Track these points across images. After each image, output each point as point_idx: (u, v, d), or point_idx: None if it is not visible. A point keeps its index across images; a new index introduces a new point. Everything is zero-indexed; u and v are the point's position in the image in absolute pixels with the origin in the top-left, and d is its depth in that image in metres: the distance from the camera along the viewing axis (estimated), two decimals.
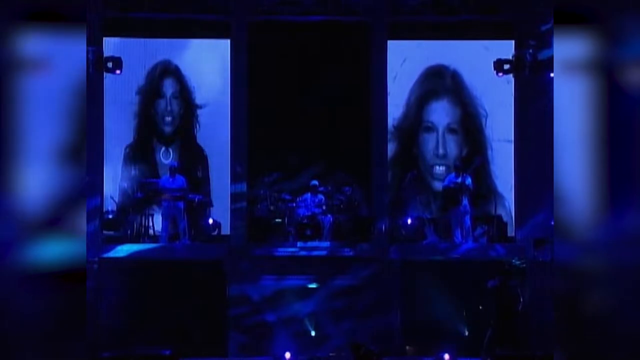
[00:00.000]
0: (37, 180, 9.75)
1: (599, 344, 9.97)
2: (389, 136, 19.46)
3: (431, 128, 19.94)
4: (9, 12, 9.75)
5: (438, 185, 19.47)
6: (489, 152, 19.79)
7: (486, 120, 19.80)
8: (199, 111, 19.85)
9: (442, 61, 19.86)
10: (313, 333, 18.02)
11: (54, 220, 9.73)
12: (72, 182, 9.85)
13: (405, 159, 19.85)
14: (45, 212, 9.72)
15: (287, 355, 16.29)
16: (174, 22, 19.17)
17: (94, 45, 17.91)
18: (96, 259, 17.80)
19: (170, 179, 18.50)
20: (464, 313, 17.91)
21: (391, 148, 19.59)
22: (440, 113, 19.93)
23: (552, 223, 16.08)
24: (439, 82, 19.89)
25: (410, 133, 19.90)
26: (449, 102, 19.93)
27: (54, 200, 9.76)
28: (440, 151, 19.86)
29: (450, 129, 19.90)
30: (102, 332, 17.67)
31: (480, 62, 19.35)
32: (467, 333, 17.77)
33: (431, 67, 19.90)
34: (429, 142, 19.91)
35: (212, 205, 19.25)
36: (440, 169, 19.81)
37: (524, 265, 18.11)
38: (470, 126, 19.86)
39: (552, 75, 17.25)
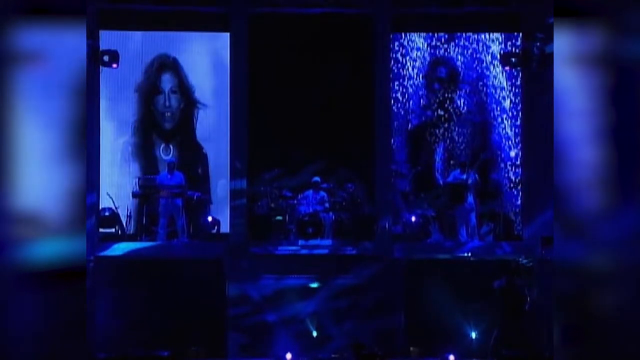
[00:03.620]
0: (35, 177, 9.70)
1: (602, 345, 9.94)
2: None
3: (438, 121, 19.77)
4: (8, 5, 9.70)
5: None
6: (502, 143, 19.62)
7: (495, 108, 19.61)
8: (198, 106, 19.60)
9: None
10: (315, 333, 17.84)
11: (52, 218, 9.66)
12: (71, 178, 9.76)
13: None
14: (44, 209, 9.64)
15: (288, 356, 16.44)
16: (172, 15, 19.01)
17: (90, 38, 17.59)
18: (92, 257, 17.59)
19: (169, 176, 18.36)
20: (470, 313, 17.62)
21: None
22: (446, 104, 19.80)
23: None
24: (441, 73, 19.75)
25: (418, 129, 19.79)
26: (449, 92, 19.72)
27: (52, 197, 9.68)
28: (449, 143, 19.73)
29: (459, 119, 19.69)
30: (99, 332, 17.50)
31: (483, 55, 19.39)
32: (472, 334, 17.47)
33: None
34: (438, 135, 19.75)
35: (211, 203, 19.13)
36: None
37: (531, 264, 17.92)
38: (478, 114, 19.71)
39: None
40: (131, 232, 18.68)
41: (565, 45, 10.26)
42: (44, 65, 9.72)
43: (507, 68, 18.65)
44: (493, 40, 19.52)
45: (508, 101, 19.46)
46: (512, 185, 19.40)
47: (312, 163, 19.06)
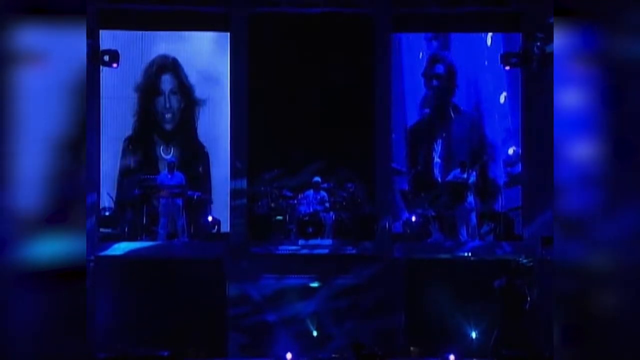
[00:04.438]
0: (35, 176, 9.62)
1: (602, 345, 9.89)
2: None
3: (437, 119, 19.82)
4: (8, 5, 9.66)
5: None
6: (500, 142, 19.68)
7: (493, 107, 19.62)
8: (198, 106, 19.54)
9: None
10: (315, 333, 17.81)
11: (52, 217, 9.61)
12: (71, 177, 9.71)
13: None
14: (44, 208, 9.59)
15: (289, 356, 16.35)
16: (172, 15, 18.93)
17: (90, 38, 17.54)
18: (92, 257, 17.54)
19: (169, 175, 18.31)
20: (470, 313, 17.59)
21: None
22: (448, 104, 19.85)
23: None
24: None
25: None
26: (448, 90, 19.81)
27: (52, 196, 9.63)
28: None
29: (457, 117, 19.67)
30: (98, 332, 17.46)
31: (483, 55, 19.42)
32: (472, 333, 17.44)
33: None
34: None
35: (211, 202, 19.10)
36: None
37: (531, 263, 17.86)
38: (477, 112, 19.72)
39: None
40: (131, 231, 18.62)
41: (565, 45, 10.23)
42: (44, 65, 9.68)
43: (507, 67, 18.58)
44: (493, 39, 19.53)
45: (507, 100, 19.44)
46: (511, 184, 19.38)
47: (312, 163, 19.02)
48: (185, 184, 18.37)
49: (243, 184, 18.58)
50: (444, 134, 19.78)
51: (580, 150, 10.02)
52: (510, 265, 17.23)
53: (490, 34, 19.55)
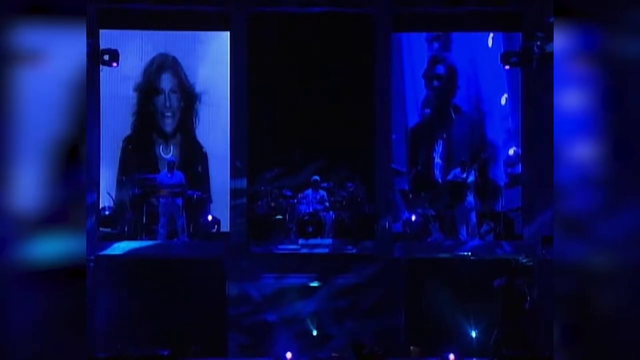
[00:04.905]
0: (34, 176, 9.61)
1: (602, 345, 9.87)
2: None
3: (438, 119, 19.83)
4: (8, 4, 9.65)
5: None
6: (501, 142, 19.65)
7: (494, 107, 19.63)
8: (198, 105, 19.53)
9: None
10: (315, 333, 17.83)
11: (52, 217, 9.58)
12: (71, 177, 9.69)
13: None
14: (44, 208, 9.57)
15: (289, 355, 16.23)
16: (172, 14, 18.93)
17: (90, 37, 17.54)
18: (92, 256, 17.53)
19: (168, 175, 18.30)
20: (470, 312, 17.58)
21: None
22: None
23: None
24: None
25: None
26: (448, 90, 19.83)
27: (52, 196, 9.60)
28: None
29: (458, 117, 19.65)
30: (98, 331, 17.47)
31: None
32: (472, 333, 17.44)
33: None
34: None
35: (211, 202, 19.08)
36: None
37: (532, 263, 17.85)
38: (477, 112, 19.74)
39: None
40: (131, 231, 18.62)
41: (565, 44, 10.23)
42: (44, 64, 9.67)
43: (507, 67, 18.57)
44: (493, 41, 19.52)
45: (507, 100, 19.43)
46: (511, 184, 19.37)
47: (312, 162, 19.00)
48: (185, 183, 18.37)
49: (243, 183, 18.59)
50: (444, 135, 19.75)
51: (581, 151, 9.99)
52: (510, 265, 17.22)
53: (491, 35, 19.50)
